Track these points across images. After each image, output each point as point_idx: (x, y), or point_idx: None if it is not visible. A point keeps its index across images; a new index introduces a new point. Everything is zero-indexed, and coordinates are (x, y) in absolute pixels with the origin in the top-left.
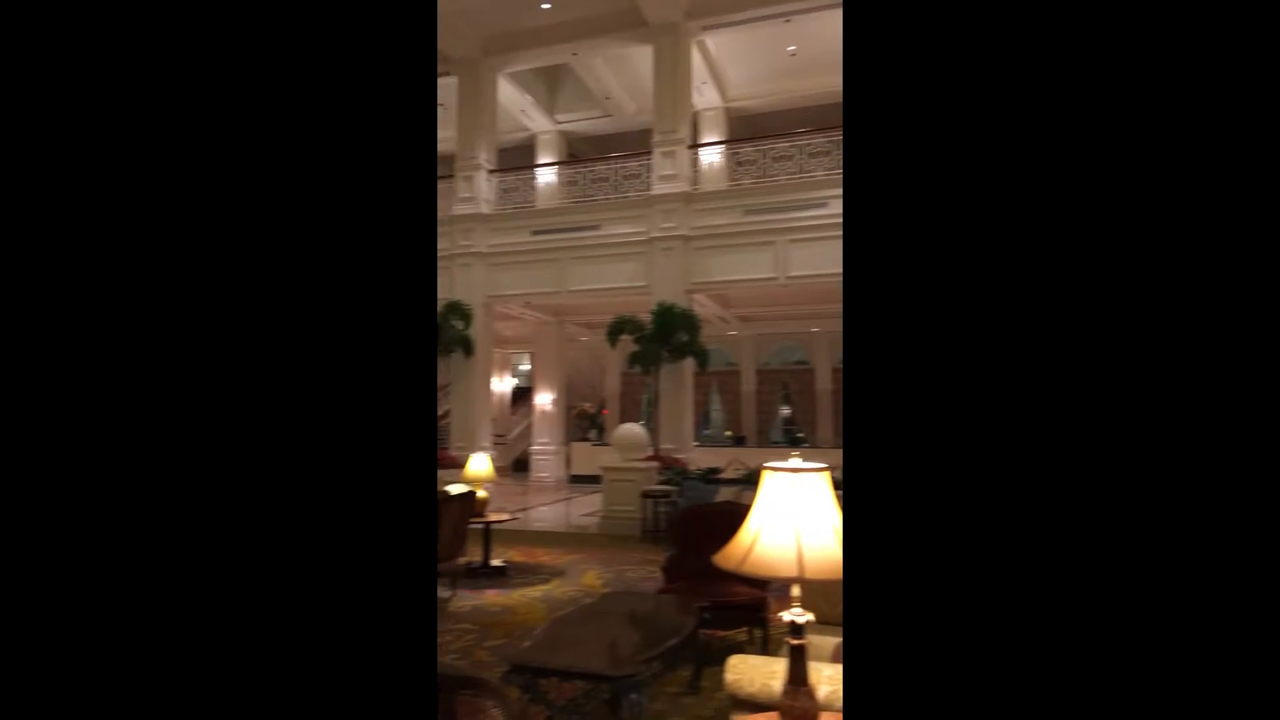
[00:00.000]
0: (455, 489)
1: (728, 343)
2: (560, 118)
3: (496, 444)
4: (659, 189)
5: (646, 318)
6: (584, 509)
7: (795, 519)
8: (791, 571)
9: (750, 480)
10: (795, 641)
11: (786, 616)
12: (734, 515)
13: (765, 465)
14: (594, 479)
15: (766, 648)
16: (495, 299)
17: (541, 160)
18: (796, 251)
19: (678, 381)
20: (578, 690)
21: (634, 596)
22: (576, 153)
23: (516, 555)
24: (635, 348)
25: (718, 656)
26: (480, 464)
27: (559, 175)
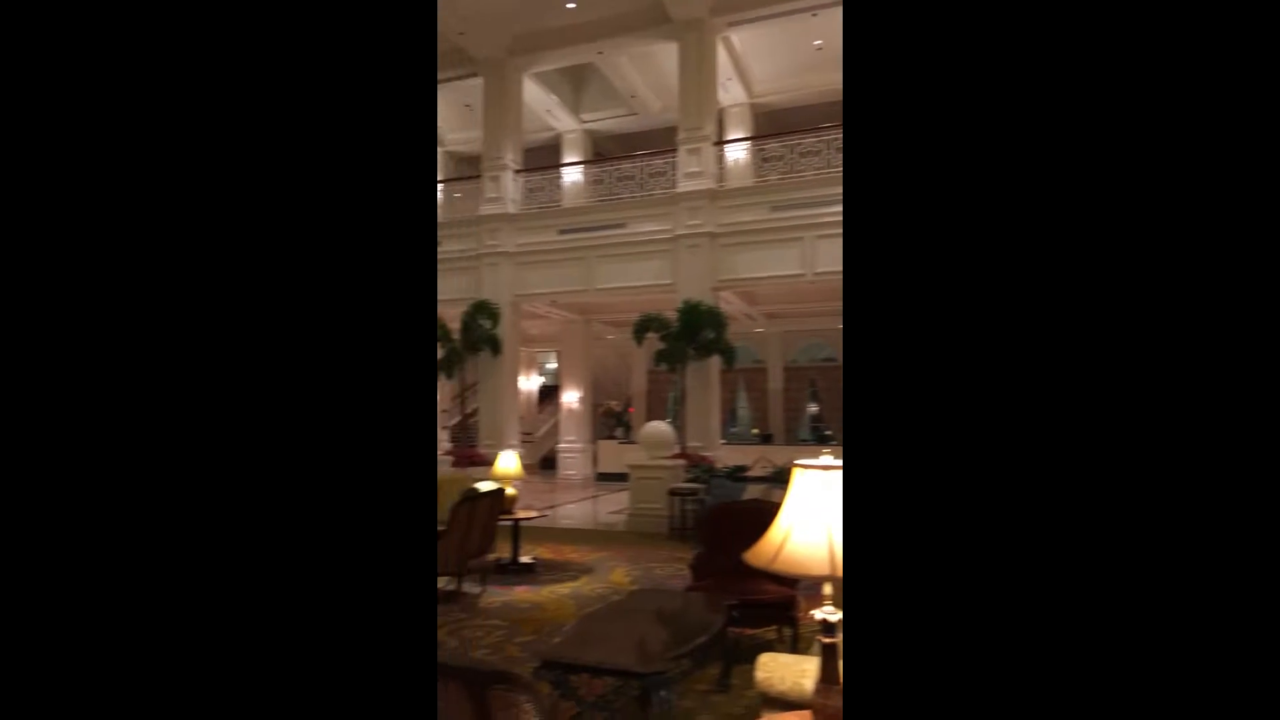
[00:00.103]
0: (484, 486)
1: (754, 340)
2: (586, 117)
3: (524, 442)
4: (685, 186)
5: (673, 315)
6: (611, 507)
7: (827, 516)
8: (824, 570)
9: (778, 478)
10: (828, 640)
11: (818, 615)
12: (762, 513)
13: (795, 463)
14: (621, 477)
15: (796, 646)
16: (522, 298)
17: (567, 160)
18: (824, 247)
19: (704, 379)
20: (607, 686)
21: (662, 594)
22: (602, 151)
23: (545, 552)
24: (661, 345)
25: (747, 654)
26: (509, 461)
27: (585, 174)
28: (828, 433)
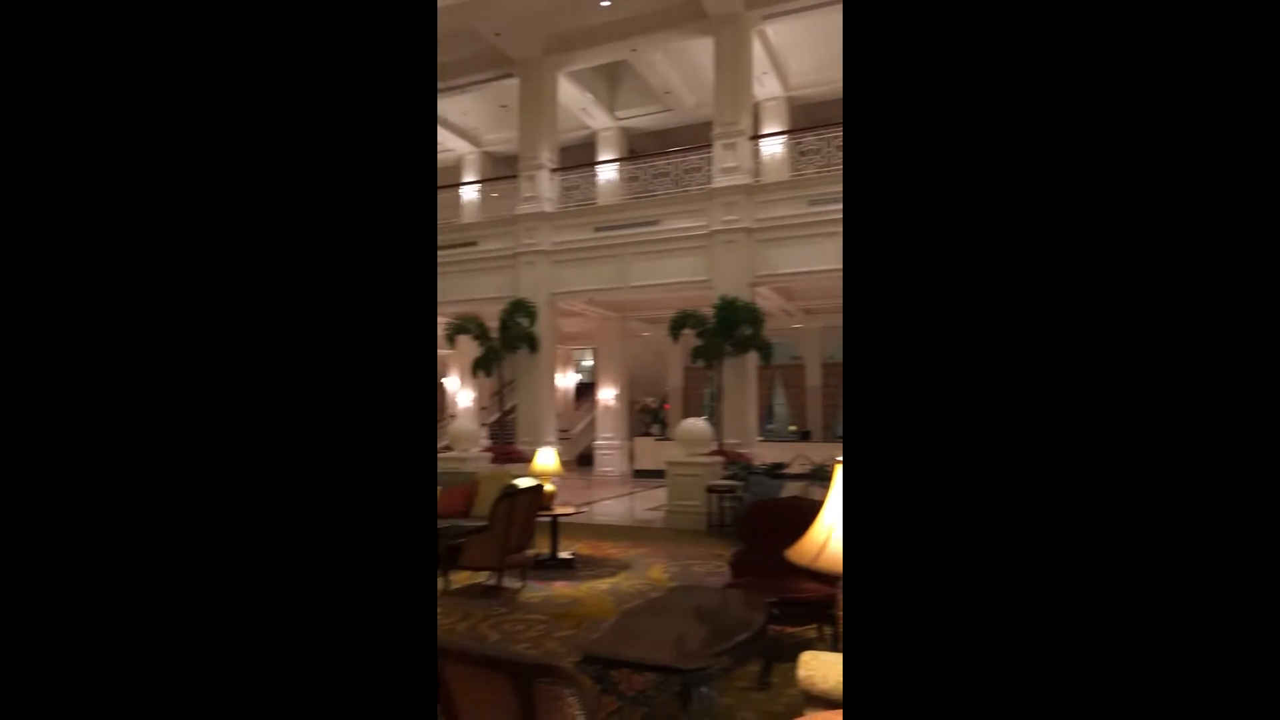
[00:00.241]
0: (523, 482)
1: (792, 336)
2: (620, 114)
3: (561, 439)
4: (720, 182)
5: (709, 312)
6: (648, 503)
7: None
8: None
9: (816, 475)
10: None
11: None
12: (801, 511)
13: (839, 460)
14: (657, 474)
15: (837, 644)
16: (559, 296)
17: (603, 158)
18: None
19: (741, 376)
20: (648, 682)
21: (702, 591)
22: (637, 148)
23: (583, 548)
24: (698, 342)
25: (787, 653)
26: (547, 458)
27: (620, 171)
28: None
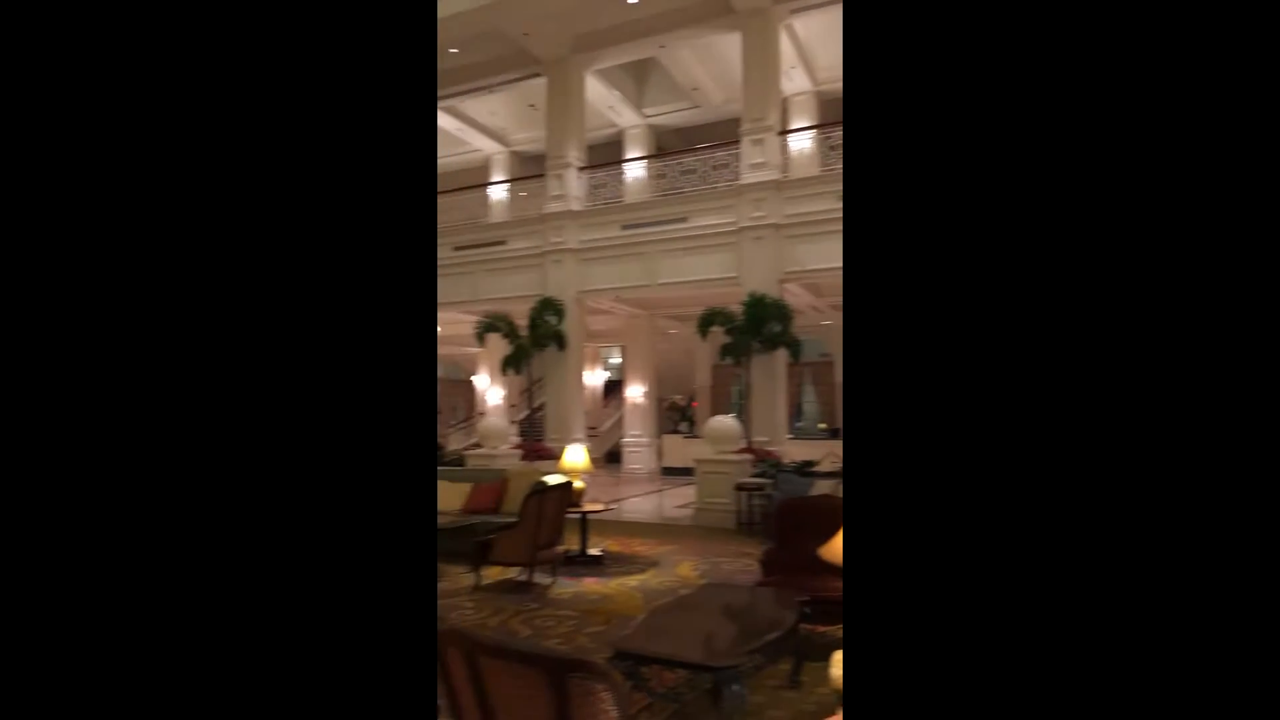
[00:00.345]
0: (553, 479)
1: (821, 333)
2: (648, 111)
3: (589, 436)
4: (748, 178)
5: (737, 309)
6: (677, 501)
7: None
8: None
9: None
10: None
11: None
12: (831, 509)
13: None
14: (685, 471)
15: None
16: (586, 293)
17: (630, 155)
18: None
19: (770, 373)
20: (678, 678)
21: (732, 589)
22: (665, 146)
23: (612, 545)
24: (726, 339)
25: (819, 651)
26: (577, 455)
27: (647, 169)
28: None
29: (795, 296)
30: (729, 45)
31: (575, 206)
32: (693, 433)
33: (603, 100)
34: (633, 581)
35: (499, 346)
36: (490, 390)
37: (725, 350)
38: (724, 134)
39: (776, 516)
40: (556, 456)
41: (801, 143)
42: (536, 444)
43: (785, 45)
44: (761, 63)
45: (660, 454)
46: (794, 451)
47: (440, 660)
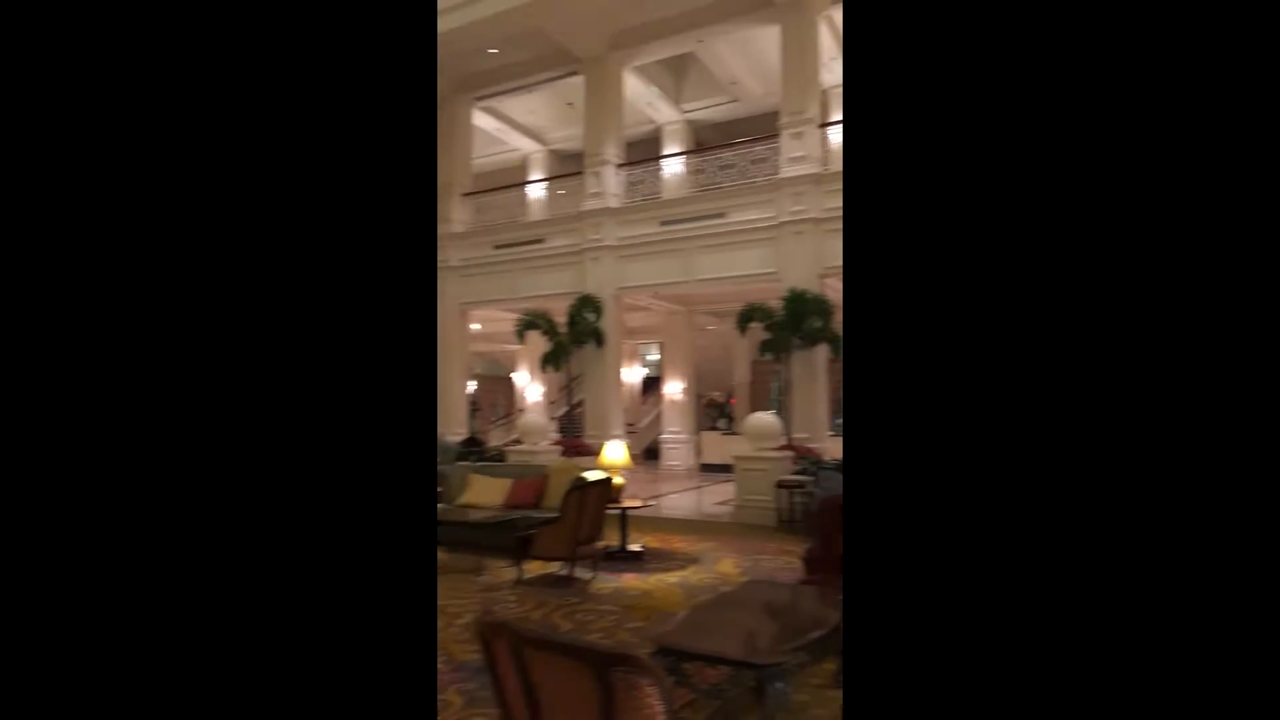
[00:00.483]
0: (593, 475)
1: None
2: (686, 107)
3: (627, 432)
4: (787, 172)
5: (777, 304)
6: (716, 498)
7: None
8: None
9: None
10: None
11: None
12: None
13: None
14: (724, 468)
15: None
16: (625, 290)
17: (668, 151)
18: None
19: (810, 369)
20: (721, 675)
21: (774, 586)
22: (703, 141)
23: (652, 541)
24: (765, 335)
25: None
26: (616, 451)
27: (686, 165)
28: None
29: (836, 292)
30: (768, 38)
31: (613, 204)
32: (731, 429)
33: (641, 97)
34: (673, 578)
35: (538, 343)
36: (530, 387)
37: (764, 346)
38: (763, 128)
39: (818, 514)
40: (595, 452)
41: (841, 135)
42: (575, 440)
43: (824, 36)
44: (800, 55)
45: (699, 450)
46: (835, 449)
47: (487, 651)
